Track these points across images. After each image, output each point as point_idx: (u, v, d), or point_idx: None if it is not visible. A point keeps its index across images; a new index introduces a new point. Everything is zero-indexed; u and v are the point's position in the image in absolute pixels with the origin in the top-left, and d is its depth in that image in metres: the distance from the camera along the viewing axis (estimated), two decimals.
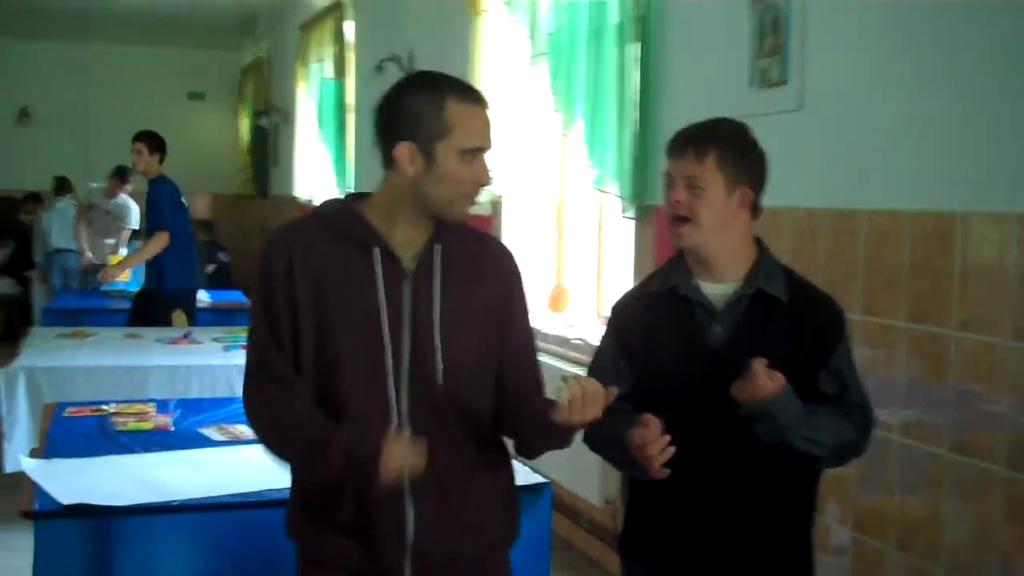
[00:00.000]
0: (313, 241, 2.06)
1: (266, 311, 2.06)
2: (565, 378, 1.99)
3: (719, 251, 2.25)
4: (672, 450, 2.10)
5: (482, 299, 2.12)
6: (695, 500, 2.24)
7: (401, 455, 1.93)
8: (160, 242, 6.50)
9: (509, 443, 2.23)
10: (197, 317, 6.74)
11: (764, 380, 2.10)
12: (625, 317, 2.39)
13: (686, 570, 2.31)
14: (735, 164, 2.22)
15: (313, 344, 2.04)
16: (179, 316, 6.41)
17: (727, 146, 2.22)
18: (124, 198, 9.24)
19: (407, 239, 2.07)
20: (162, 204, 6.54)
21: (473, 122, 2.01)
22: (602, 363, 2.38)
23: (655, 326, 2.30)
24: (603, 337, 2.43)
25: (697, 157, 2.19)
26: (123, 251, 8.67)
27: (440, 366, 2.04)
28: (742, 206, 2.24)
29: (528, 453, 2.20)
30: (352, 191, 2.19)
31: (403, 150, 2.00)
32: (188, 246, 6.77)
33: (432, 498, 2.06)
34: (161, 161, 6.66)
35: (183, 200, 6.73)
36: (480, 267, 2.14)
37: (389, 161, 2.04)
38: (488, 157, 2.05)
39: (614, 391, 1.97)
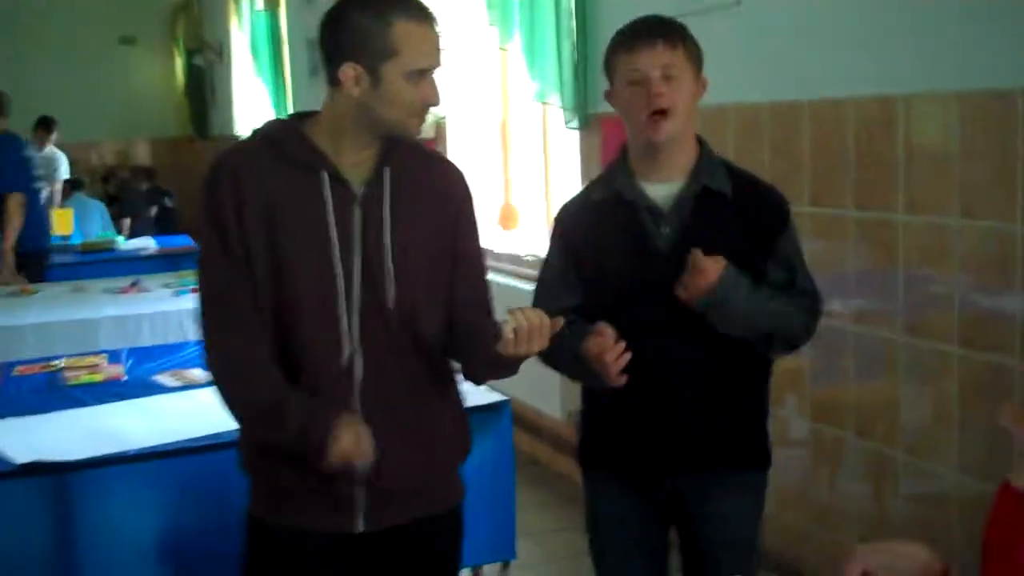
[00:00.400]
0: (260, 167, 1.99)
1: (223, 246, 1.97)
2: (511, 310, 1.95)
3: (677, 144, 2.21)
4: (628, 356, 2.08)
5: (433, 223, 2.07)
6: (650, 404, 2.23)
7: (352, 445, 1.91)
8: (15, 205, 6.27)
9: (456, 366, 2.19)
10: (54, 271, 6.60)
11: (708, 264, 2.09)
12: (570, 228, 2.35)
13: (645, 475, 2.31)
14: (695, 52, 2.20)
15: (268, 275, 1.98)
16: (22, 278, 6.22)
17: (686, 35, 2.20)
18: (52, 149, 9.10)
19: (356, 161, 2.01)
20: (1, 166, 6.32)
21: (421, 42, 1.93)
22: (550, 278, 2.35)
23: (602, 234, 2.27)
24: (549, 250, 2.40)
25: (669, 47, 2.15)
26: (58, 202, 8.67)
27: (392, 291, 2.00)
28: (699, 95, 2.22)
29: (474, 379, 2.18)
30: (298, 111, 2.11)
31: (348, 71, 1.92)
32: (33, 202, 6.56)
33: (387, 426, 2.02)
34: (4, 117, 6.44)
35: (25, 154, 6.50)
36: (431, 190, 2.09)
37: (334, 80, 1.96)
38: (437, 76, 1.98)
39: (560, 321, 1.94)
